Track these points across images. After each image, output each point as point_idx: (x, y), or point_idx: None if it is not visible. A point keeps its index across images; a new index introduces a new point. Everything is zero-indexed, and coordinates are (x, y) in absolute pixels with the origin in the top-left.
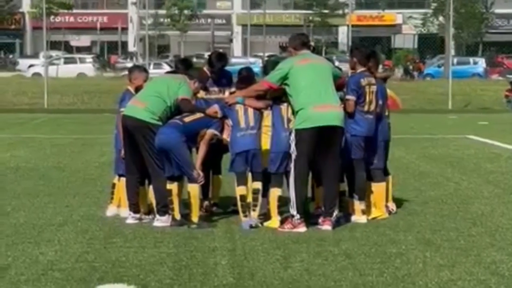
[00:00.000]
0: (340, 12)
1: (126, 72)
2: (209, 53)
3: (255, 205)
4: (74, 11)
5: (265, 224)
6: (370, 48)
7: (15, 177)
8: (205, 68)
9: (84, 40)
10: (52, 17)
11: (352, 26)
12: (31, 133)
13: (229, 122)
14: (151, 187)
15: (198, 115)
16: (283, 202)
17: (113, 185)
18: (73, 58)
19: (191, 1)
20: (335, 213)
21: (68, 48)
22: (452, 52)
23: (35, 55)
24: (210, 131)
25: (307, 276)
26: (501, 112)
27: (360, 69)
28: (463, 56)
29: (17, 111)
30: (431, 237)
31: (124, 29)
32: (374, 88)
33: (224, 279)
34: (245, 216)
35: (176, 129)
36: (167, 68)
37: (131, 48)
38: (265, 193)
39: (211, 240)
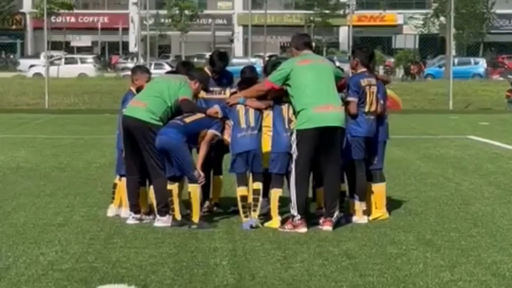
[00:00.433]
0: (341, 12)
1: (127, 73)
2: (210, 53)
3: (256, 206)
4: (75, 11)
5: (266, 224)
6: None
7: (16, 177)
8: (206, 68)
9: (85, 40)
10: (53, 17)
11: (353, 26)
12: (32, 133)
13: (229, 122)
14: (151, 187)
15: (199, 115)
16: (284, 202)
17: (114, 185)
18: (74, 59)
19: (192, 1)
20: (336, 213)
21: (69, 48)
22: (453, 52)
23: (36, 56)
24: (211, 132)
25: (308, 276)
26: (502, 112)
27: (361, 69)
28: (464, 56)
29: (18, 112)
30: (431, 238)
31: (125, 29)
32: (374, 88)
33: (224, 280)
34: (246, 216)
35: (177, 129)
36: (168, 68)
37: (132, 48)
38: (266, 194)
39: (212, 241)
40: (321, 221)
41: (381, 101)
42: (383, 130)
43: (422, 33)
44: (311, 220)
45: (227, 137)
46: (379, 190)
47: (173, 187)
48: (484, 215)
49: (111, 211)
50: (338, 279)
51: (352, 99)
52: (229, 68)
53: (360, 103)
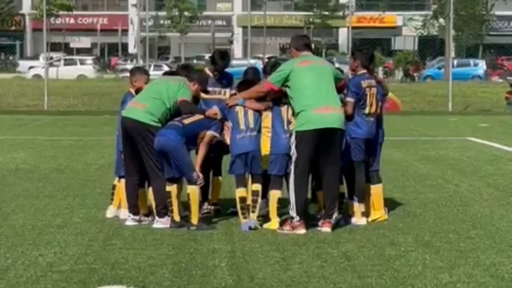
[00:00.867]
0: (341, 13)
1: (127, 74)
2: (209, 54)
3: (254, 207)
4: (75, 12)
5: (265, 226)
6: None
7: (15, 179)
8: (206, 69)
9: (84, 41)
10: (52, 18)
11: (353, 28)
12: (31, 134)
13: (228, 124)
14: (150, 189)
15: (198, 116)
16: (283, 204)
17: (113, 187)
18: (73, 60)
19: (192, 3)
20: (335, 215)
21: (68, 49)
22: (452, 54)
23: (35, 57)
24: (210, 133)
25: (306, 278)
26: (501, 114)
27: (361, 71)
28: (464, 58)
29: (17, 113)
30: (430, 239)
31: (125, 31)
32: (374, 90)
33: (223, 281)
34: (245, 218)
35: (176, 131)
36: (167, 69)
37: (131, 49)
38: (265, 195)
39: (211, 242)
40: (320, 222)
41: (380, 103)
42: (381, 132)
43: (421, 35)
44: (310, 221)
45: (227, 137)
46: (376, 191)
47: (172, 188)
48: (483, 216)
49: (110, 213)
50: (337, 281)
51: (350, 99)
52: (228, 70)
53: (361, 105)
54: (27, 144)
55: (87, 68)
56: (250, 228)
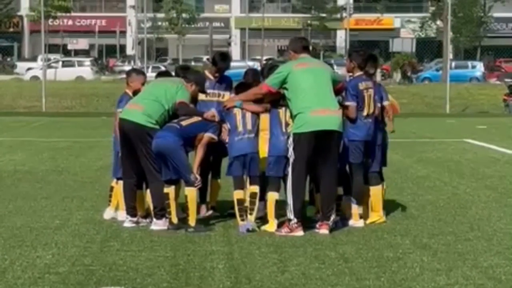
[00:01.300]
0: (338, 16)
1: (124, 76)
2: (207, 56)
3: (252, 209)
4: (73, 14)
5: (262, 228)
6: (369, 51)
7: (13, 180)
8: (206, 72)
9: (82, 43)
10: (50, 20)
11: (350, 30)
12: (29, 136)
13: (226, 126)
14: (148, 190)
15: (196, 118)
16: (281, 206)
17: (111, 188)
18: (71, 61)
19: (190, 5)
20: (333, 217)
21: (66, 51)
22: (450, 56)
23: (33, 58)
24: (208, 135)
25: (304, 280)
26: (499, 116)
27: (358, 73)
28: (461, 60)
29: (15, 114)
30: (428, 241)
31: (123, 33)
32: (371, 91)
33: (221, 283)
34: (242, 220)
35: (174, 132)
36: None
37: (129, 51)
38: (263, 197)
39: (208, 244)
40: (317, 224)
41: (378, 104)
42: (380, 133)
43: (419, 37)
44: (307, 223)
45: (225, 137)
46: (375, 192)
47: (169, 190)
48: (481, 218)
49: (107, 214)
50: (335, 283)
51: (351, 103)
52: (226, 72)
53: (358, 107)
54: (25, 145)
55: (85, 69)
56: (248, 230)
